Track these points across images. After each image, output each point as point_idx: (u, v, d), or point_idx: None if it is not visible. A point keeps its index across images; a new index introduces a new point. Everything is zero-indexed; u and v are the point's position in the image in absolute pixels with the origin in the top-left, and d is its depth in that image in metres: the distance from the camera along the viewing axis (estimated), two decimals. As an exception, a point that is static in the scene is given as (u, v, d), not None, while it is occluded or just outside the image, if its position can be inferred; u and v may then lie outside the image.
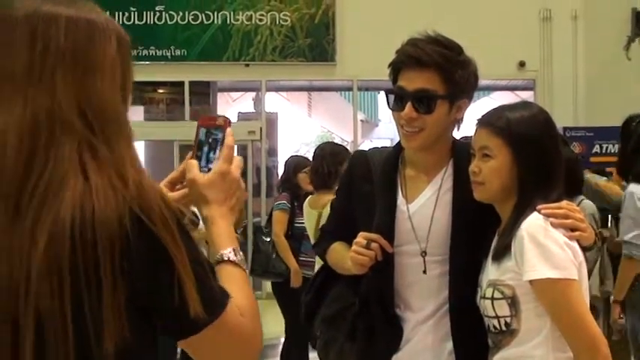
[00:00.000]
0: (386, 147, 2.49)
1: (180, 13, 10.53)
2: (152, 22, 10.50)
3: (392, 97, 2.13)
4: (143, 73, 10.50)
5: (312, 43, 10.75)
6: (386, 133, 17.23)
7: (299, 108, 16.83)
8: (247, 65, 10.71)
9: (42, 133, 1.15)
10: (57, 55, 1.18)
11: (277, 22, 10.67)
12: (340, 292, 2.30)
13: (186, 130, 10.68)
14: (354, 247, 2.08)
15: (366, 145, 13.80)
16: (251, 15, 10.64)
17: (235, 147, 1.45)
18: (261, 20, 10.67)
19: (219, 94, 12.32)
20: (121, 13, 10.09)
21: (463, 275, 2.10)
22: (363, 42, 10.18)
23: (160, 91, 11.29)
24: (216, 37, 10.68)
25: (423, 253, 2.13)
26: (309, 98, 16.36)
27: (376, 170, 2.22)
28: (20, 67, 1.17)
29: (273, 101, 13.35)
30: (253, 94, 13.32)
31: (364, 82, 11.28)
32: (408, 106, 2.06)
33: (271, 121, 12.00)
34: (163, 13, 10.49)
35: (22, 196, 1.12)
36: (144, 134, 9.38)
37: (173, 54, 10.60)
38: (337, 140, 13.04)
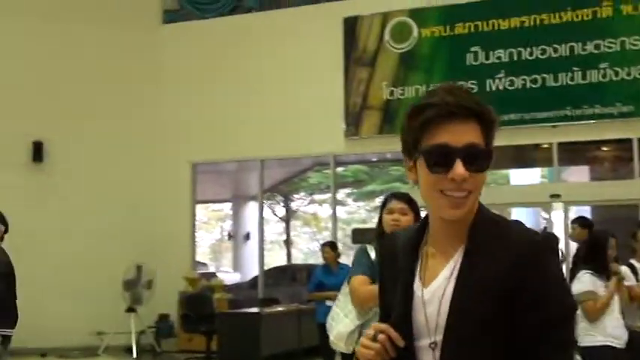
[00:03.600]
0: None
1: (626, 69, 10.18)
2: (596, 80, 10.33)
3: (432, 157, 1.75)
4: (588, 132, 10.46)
5: None
6: None
7: None
8: None
9: None
10: None
11: None
12: None
13: (634, 189, 10.44)
14: (361, 340, 1.85)
15: None
16: None
17: None
18: None
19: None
20: (564, 74, 10.16)
21: None
22: None
23: (604, 149, 10.97)
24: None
25: (433, 345, 1.79)
26: None
27: (400, 252, 1.94)
28: None
29: None
30: None
31: None
32: (459, 165, 1.70)
33: None
34: (607, 70, 10.26)
35: None
36: (590, 195, 9.21)
37: (619, 111, 10.26)
38: None
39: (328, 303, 8.23)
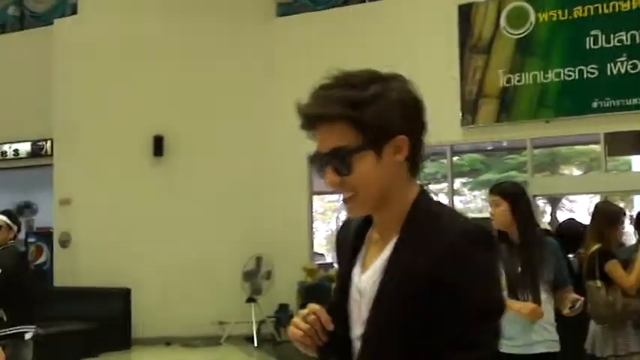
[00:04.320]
0: None
1: None
2: None
3: (311, 166, 1.73)
4: None
5: None
6: None
7: None
8: None
9: None
10: None
11: None
12: None
13: None
14: (294, 318, 1.80)
15: None
16: None
17: None
18: None
19: None
20: None
21: None
22: None
23: None
24: None
25: (359, 337, 1.74)
26: None
27: (350, 237, 1.88)
28: None
29: None
30: None
31: None
32: (328, 172, 1.70)
33: None
34: None
35: None
36: None
37: None
38: None
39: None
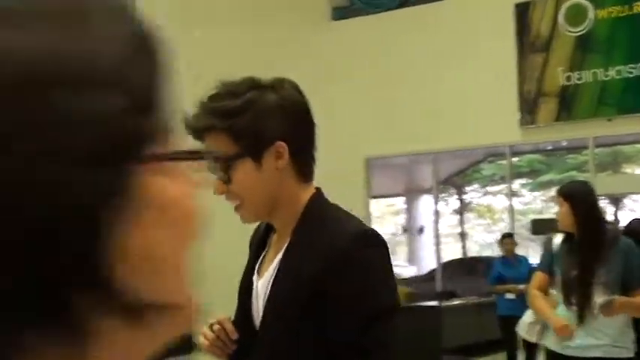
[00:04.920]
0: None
1: None
2: None
3: None
4: None
5: None
6: None
7: None
8: None
9: None
10: None
11: None
12: None
13: None
14: (203, 328, 1.80)
15: None
16: None
17: None
18: None
19: None
20: None
21: None
22: None
23: None
24: None
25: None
26: None
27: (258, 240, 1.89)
28: None
29: None
30: None
31: None
32: (215, 182, 1.67)
33: None
34: None
35: None
36: None
37: None
38: None
39: (508, 296, 8.13)
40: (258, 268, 1.81)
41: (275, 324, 1.68)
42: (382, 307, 1.62)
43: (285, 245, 1.71)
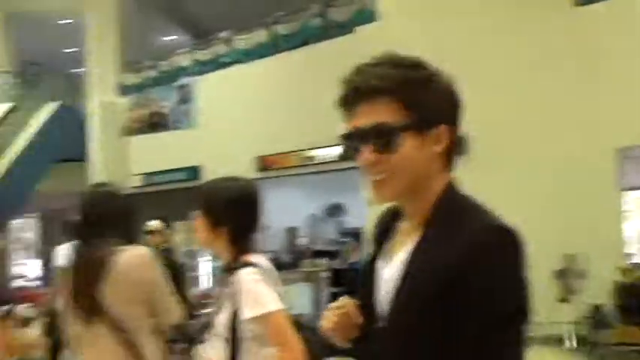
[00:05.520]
0: None
1: None
2: None
3: (343, 144, 1.69)
4: None
5: None
6: None
7: None
8: None
9: None
10: None
11: None
12: None
13: None
14: (328, 310, 1.85)
15: None
16: None
17: None
18: None
19: None
20: None
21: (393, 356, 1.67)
22: None
23: None
24: None
25: (384, 328, 1.71)
26: None
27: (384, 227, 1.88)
28: None
29: None
30: None
31: None
32: (365, 149, 1.63)
33: None
34: None
35: None
36: None
37: None
38: None
39: None
40: (385, 254, 1.79)
41: (407, 311, 1.64)
42: (516, 307, 1.58)
43: (420, 233, 1.68)
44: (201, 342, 2.98)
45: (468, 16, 12.37)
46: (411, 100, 1.61)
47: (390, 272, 1.72)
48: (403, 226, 1.78)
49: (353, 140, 1.66)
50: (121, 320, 3.21)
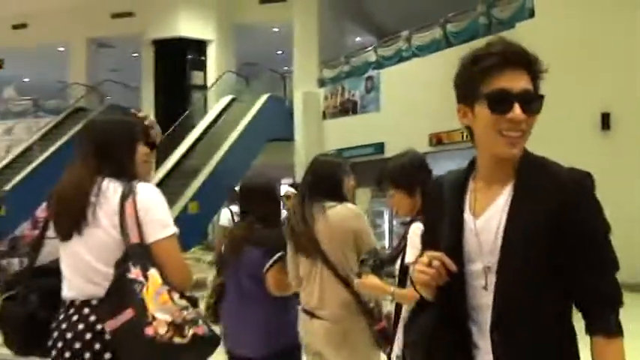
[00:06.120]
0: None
1: None
2: None
3: (494, 99, 1.82)
4: None
5: None
6: None
7: None
8: None
9: None
10: None
11: None
12: (424, 318, 2.00)
13: None
14: (416, 266, 1.89)
15: None
16: None
17: None
18: None
19: None
20: None
21: (510, 290, 1.84)
22: None
23: None
24: None
25: (487, 269, 1.87)
26: None
27: (446, 192, 2.01)
28: None
29: None
30: None
31: None
32: (517, 107, 1.81)
33: None
34: None
35: None
36: None
37: None
38: None
39: None
40: (470, 208, 1.92)
41: (514, 258, 1.80)
42: (609, 226, 1.81)
43: (508, 187, 1.86)
44: (389, 268, 3.23)
45: (620, 11, 12.66)
46: (535, 77, 1.85)
47: (484, 222, 1.88)
48: (477, 185, 1.94)
49: (504, 98, 1.80)
50: (337, 262, 3.62)
